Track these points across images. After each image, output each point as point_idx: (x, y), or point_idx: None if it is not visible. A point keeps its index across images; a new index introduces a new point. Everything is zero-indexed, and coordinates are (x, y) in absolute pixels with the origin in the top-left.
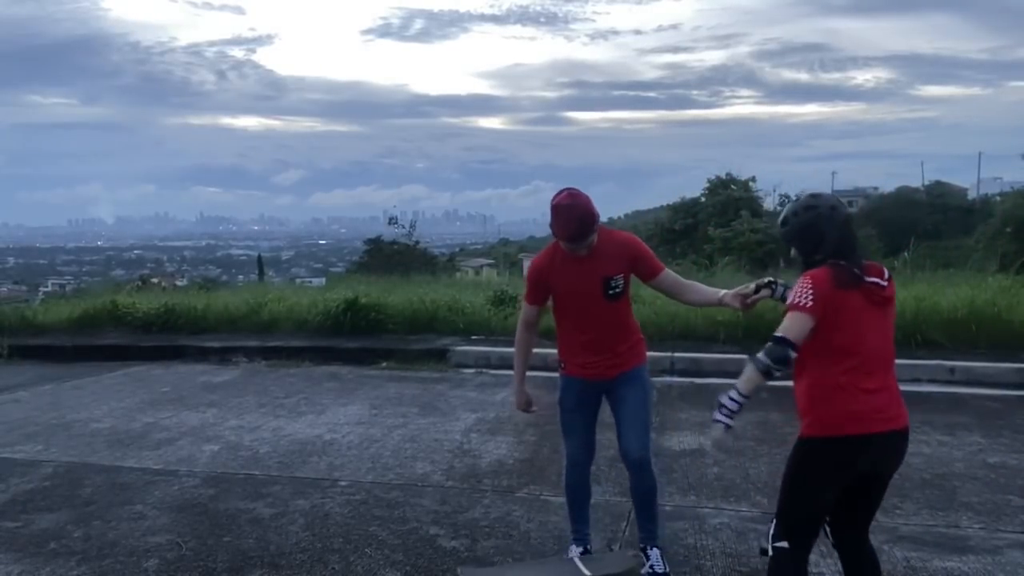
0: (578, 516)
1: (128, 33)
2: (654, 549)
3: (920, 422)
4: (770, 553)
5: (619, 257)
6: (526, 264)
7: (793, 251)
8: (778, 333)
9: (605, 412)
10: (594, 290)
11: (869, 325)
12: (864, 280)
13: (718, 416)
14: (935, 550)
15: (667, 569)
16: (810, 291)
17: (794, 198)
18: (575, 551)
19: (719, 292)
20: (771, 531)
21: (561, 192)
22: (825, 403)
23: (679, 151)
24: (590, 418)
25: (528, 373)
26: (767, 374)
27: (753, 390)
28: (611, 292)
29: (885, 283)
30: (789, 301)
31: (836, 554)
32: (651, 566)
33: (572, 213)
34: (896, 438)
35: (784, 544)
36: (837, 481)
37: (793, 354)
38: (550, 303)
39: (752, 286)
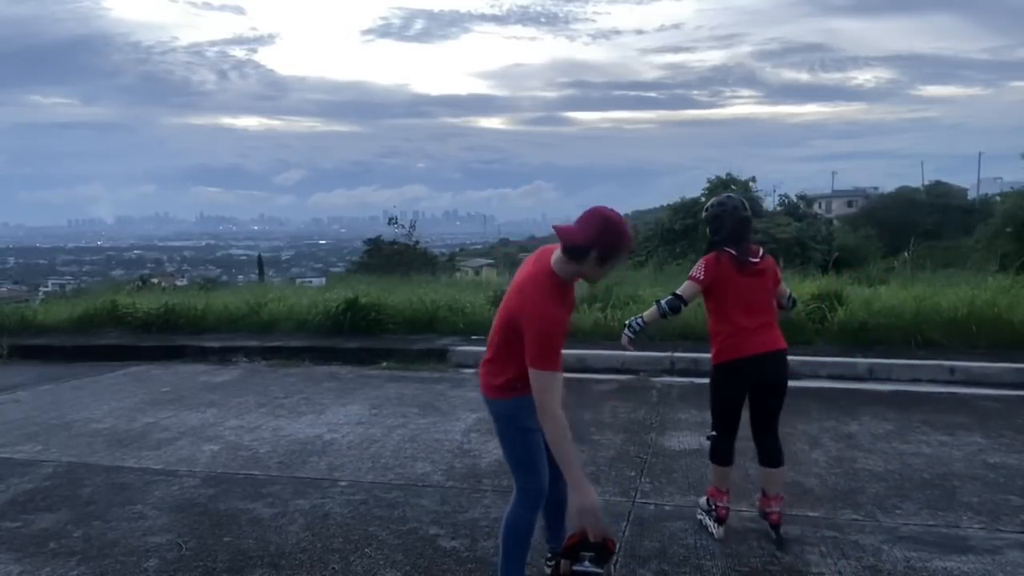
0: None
1: (129, 33)
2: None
3: (920, 422)
4: (708, 437)
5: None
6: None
7: (707, 231)
8: (677, 291)
9: (606, 412)
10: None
11: (747, 291)
12: (745, 261)
13: (625, 334)
14: (935, 550)
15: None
16: (702, 269)
17: (794, 198)
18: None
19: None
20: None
21: (602, 209)
22: (721, 339)
23: (679, 151)
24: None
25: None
26: (663, 316)
27: (653, 322)
28: None
29: (758, 260)
30: (690, 273)
31: (836, 554)
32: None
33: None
34: (770, 356)
35: (714, 433)
36: (737, 390)
37: (683, 306)
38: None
39: None
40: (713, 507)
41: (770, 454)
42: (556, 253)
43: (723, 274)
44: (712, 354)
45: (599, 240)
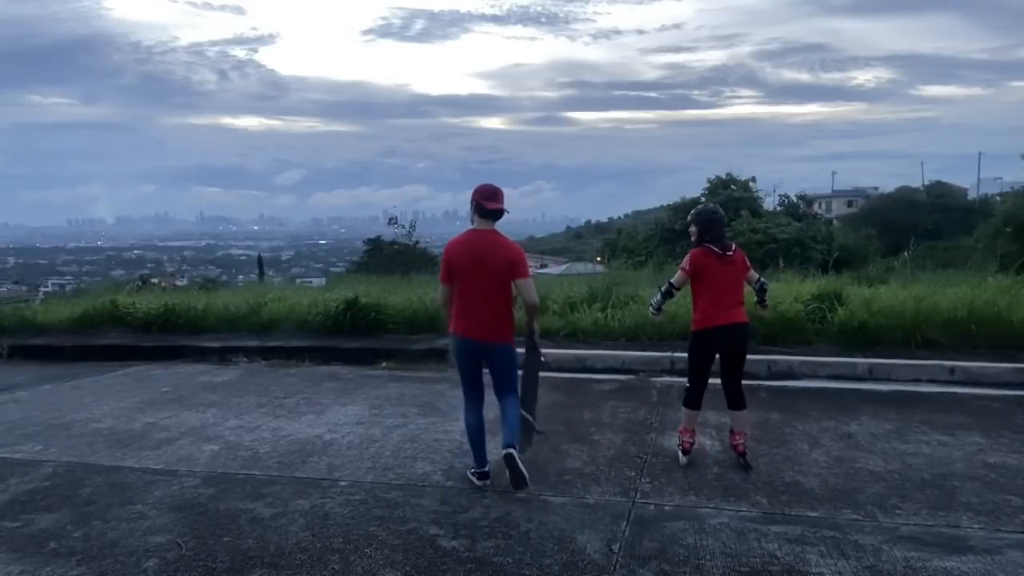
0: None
1: (130, 33)
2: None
3: (920, 422)
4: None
5: None
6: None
7: (694, 231)
8: (671, 281)
9: (606, 412)
10: None
11: (722, 276)
12: (721, 254)
13: (651, 307)
14: (935, 550)
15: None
16: (689, 261)
17: (794, 198)
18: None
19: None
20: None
21: (488, 185)
22: (700, 313)
23: (679, 151)
24: None
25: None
26: (662, 301)
27: (658, 305)
28: None
29: (732, 253)
30: (680, 265)
31: (836, 554)
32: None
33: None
34: (734, 326)
35: (689, 385)
36: (708, 352)
37: (676, 291)
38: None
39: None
40: (681, 441)
41: (735, 400)
42: (483, 225)
43: (706, 264)
44: (692, 322)
45: (502, 201)
